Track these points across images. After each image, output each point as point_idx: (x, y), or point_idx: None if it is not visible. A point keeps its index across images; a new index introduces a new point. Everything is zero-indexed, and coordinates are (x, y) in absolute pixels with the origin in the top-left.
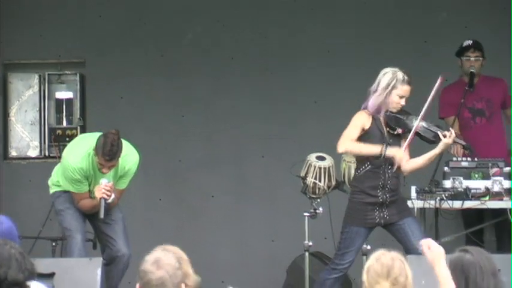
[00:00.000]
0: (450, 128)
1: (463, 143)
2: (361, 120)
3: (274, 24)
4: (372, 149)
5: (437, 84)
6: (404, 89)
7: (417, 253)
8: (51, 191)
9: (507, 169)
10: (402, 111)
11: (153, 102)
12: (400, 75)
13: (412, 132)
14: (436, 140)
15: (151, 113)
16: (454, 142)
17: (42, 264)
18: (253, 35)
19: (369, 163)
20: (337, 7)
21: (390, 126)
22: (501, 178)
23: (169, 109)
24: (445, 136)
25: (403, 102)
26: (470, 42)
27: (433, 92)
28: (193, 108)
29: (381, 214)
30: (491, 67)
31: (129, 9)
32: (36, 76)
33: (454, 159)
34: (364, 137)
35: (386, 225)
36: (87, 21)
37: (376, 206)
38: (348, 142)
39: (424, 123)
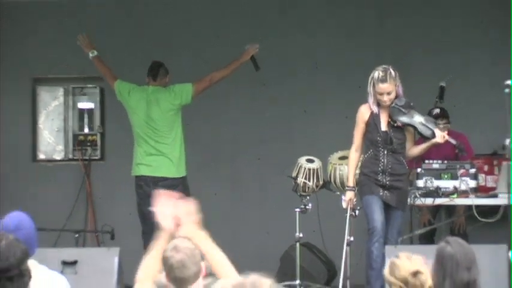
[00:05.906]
0: (442, 132)
1: (454, 142)
2: (360, 116)
3: (267, 40)
4: (349, 174)
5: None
6: (380, 87)
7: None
8: (186, 172)
9: (472, 170)
10: (407, 104)
11: None
12: (376, 74)
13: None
14: (430, 136)
15: None
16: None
17: (66, 253)
18: None
19: (371, 150)
20: (324, 24)
21: (391, 118)
22: (467, 178)
23: None
24: (438, 136)
25: (384, 98)
26: (437, 110)
27: None
28: (196, 117)
29: (384, 192)
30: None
31: (138, 28)
32: (62, 89)
33: (427, 161)
34: (365, 129)
35: (385, 204)
36: (104, 41)
37: (378, 186)
38: (350, 154)
39: (422, 119)
